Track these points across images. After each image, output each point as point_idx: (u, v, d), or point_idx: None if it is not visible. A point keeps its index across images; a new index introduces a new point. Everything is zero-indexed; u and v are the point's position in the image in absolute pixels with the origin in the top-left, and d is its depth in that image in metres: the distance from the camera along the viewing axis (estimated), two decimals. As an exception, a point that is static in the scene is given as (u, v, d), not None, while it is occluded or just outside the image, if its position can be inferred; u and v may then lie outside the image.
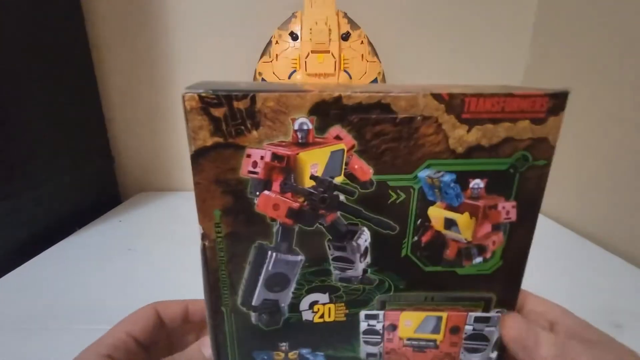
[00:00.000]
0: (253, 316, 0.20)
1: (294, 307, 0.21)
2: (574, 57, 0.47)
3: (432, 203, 0.19)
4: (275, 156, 0.17)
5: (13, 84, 0.41)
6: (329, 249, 0.19)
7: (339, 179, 0.18)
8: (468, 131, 0.17)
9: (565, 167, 0.47)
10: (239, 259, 0.19)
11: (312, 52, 0.39)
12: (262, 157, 0.17)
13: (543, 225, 0.49)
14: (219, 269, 0.19)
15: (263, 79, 0.42)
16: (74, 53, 0.54)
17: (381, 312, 0.21)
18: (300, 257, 0.19)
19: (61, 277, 0.39)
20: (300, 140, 0.17)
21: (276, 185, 0.18)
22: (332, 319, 0.21)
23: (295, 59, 0.40)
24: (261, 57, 0.43)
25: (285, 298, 0.20)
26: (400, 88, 0.17)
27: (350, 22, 0.44)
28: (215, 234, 0.18)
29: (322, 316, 0.21)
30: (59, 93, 0.51)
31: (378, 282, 0.20)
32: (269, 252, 0.19)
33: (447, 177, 0.18)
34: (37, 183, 0.46)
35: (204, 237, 0.18)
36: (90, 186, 0.61)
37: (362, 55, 0.42)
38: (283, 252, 0.19)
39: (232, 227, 0.18)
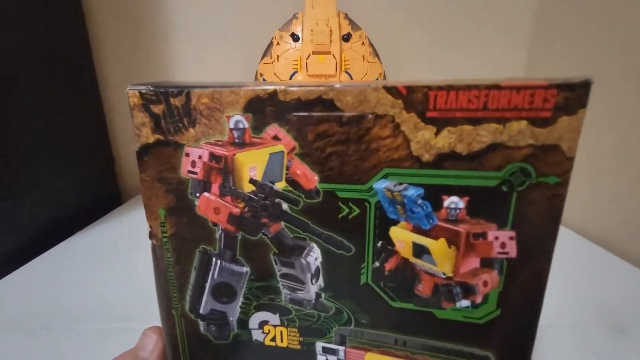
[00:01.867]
0: (202, 325, 0.20)
1: (243, 323, 0.20)
2: (575, 57, 0.46)
3: (396, 222, 0.16)
4: (212, 156, 0.16)
5: (14, 85, 0.41)
6: (276, 263, 0.18)
7: (280, 185, 0.16)
8: (436, 134, 0.14)
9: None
10: (184, 262, 0.19)
11: (313, 53, 0.40)
12: (200, 157, 0.17)
13: None
14: (167, 270, 0.19)
15: (264, 80, 0.43)
16: (75, 54, 0.55)
17: (341, 348, 0.19)
18: (246, 269, 0.18)
19: (62, 277, 0.39)
20: (236, 140, 0.16)
21: (216, 188, 0.17)
22: (284, 344, 0.19)
23: (297, 60, 0.41)
24: (262, 58, 0.44)
25: (233, 311, 0.19)
26: (350, 83, 0.15)
27: (352, 23, 0.43)
28: (161, 234, 0.19)
29: (273, 339, 0.20)
30: (60, 94, 0.50)
31: (335, 311, 0.18)
32: (214, 259, 0.18)
33: (412, 192, 0.15)
34: (38, 184, 0.47)
35: (151, 235, 0.19)
36: (91, 187, 0.61)
37: (363, 56, 0.41)
38: (227, 260, 0.18)
39: (176, 228, 0.18)
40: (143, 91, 0.16)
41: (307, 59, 0.40)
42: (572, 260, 0.34)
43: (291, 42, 0.42)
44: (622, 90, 0.40)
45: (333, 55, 0.40)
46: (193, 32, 0.57)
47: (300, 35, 0.41)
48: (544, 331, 0.22)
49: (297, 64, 0.41)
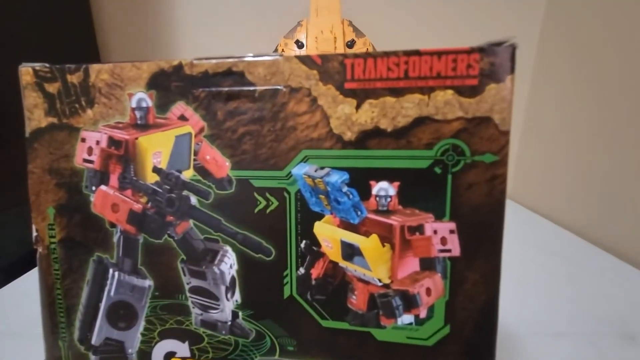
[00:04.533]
0: (93, 361, 0.16)
1: (145, 356, 0.16)
2: (579, 57, 0.46)
3: (320, 217, 0.14)
4: (112, 141, 0.14)
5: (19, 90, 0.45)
6: (184, 273, 0.15)
7: (187, 174, 0.14)
8: (357, 108, 0.13)
9: (577, 169, 0.45)
10: (75, 276, 0.16)
11: None
12: (97, 142, 0.15)
13: (550, 231, 0.44)
14: (54, 287, 0.16)
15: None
16: (82, 60, 0.59)
17: (265, 387, 0.15)
18: (148, 282, 0.15)
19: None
20: (138, 121, 0.14)
21: (115, 179, 0.15)
22: (196, 384, 0.16)
23: None
24: None
25: (133, 340, 0.16)
26: (262, 53, 0.13)
27: (356, 30, 0.45)
28: (49, 239, 0.16)
29: (182, 378, 0.16)
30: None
31: (255, 336, 0.15)
32: (111, 271, 0.15)
33: (336, 177, 0.13)
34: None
35: (37, 241, 0.16)
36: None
37: None
38: (127, 271, 0.15)
39: (67, 231, 0.15)
40: (37, 68, 0.15)
41: (311, 66, 0.41)
42: (581, 268, 0.34)
43: (296, 49, 0.42)
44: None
45: (337, 61, 0.41)
46: (198, 40, 0.58)
47: (305, 42, 0.42)
48: (554, 340, 0.21)
49: (301, 71, 0.42)
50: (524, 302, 0.25)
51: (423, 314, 0.13)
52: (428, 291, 0.13)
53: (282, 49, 0.45)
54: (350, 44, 0.43)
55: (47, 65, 0.15)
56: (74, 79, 0.14)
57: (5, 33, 0.40)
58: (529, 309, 0.24)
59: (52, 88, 0.15)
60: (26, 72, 0.15)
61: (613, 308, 0.26)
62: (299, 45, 0.44)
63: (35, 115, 0.15)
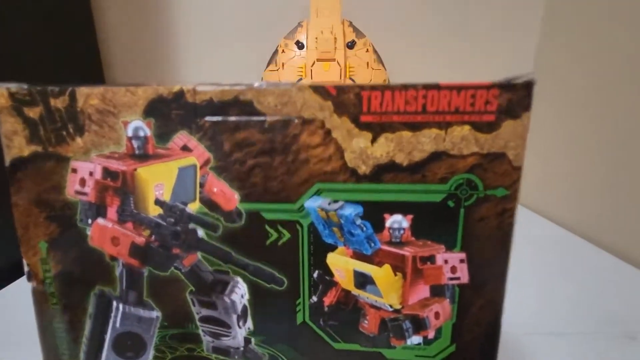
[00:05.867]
0: (101, 389, 0.16)
1: (155, 382, 0.16)
2: (578, 57, 0.46)
3: (333, 248, 0.14)
4: (107, 172, 0.13)
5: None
6: (193, 304, 0.15)
7: (193, 206, 0.14)
8: (373, 141, 0.12)
9: (577, 168, 0.45)
10: (76, 310, 0.15)
11: (318, 60, 0.41)
12: (91, 173, 0.14)
13: (549, 231, 0.46)
14: (53, 321, 0.15)
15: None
16: (84, 65, 0.55)
17: (279, 404, 0.16)
18: (156, 313, 0.15)
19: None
20: (136, 152, 0.13)
21: (113, 212, 0.14)
22: (209, 405, 0.16)
23: (302, 67, 0.41)
24: (267, 66, 0.44)
25: (142, 368, 0.16)
26: (273, 82, 0.13)
27: (356, 30, 0.44)
28: (43, 273, 0.15)
29: (195, 400, 0.16)
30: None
31: None
32: (114, 303, 0.15)
33: (349, 210, 0.13)
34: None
35: (30, 276, 0.15)
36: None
37: (368, 63, 0.42)
38: (132, 303, 0.15)
39: (63, 266, 0.15)
40: (13, 90, 0.13)
41: (311, 66, 0.40)
42: (581, 268, 0.34)
43: (296, 49, 0.42)
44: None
45: (337, 62, 0.40)
46: (199, 41, 0.56)
47: (305, 43, 0.42)
48: (554, 339, 0.21)
49: (302, 72, 0.41)
50: (523, 301, 0.25)
51: (431, 335, 0.14)
52: (437, 315, 0.14)
53: (283, 50, 0.44)
54: (351, 45, 0.43)
55: (24, 86, 0.13)
56: (58, 103, 0.13)
57: (4, 34, 0.38)
58: (529, 309, 0.24)
59: (33, 113, 0.13)
60: (0, 94, 0.13)
61: (613, 308, 0.26)
62: (299, 45, 0.43)
63: (16, 142, 0.13)
